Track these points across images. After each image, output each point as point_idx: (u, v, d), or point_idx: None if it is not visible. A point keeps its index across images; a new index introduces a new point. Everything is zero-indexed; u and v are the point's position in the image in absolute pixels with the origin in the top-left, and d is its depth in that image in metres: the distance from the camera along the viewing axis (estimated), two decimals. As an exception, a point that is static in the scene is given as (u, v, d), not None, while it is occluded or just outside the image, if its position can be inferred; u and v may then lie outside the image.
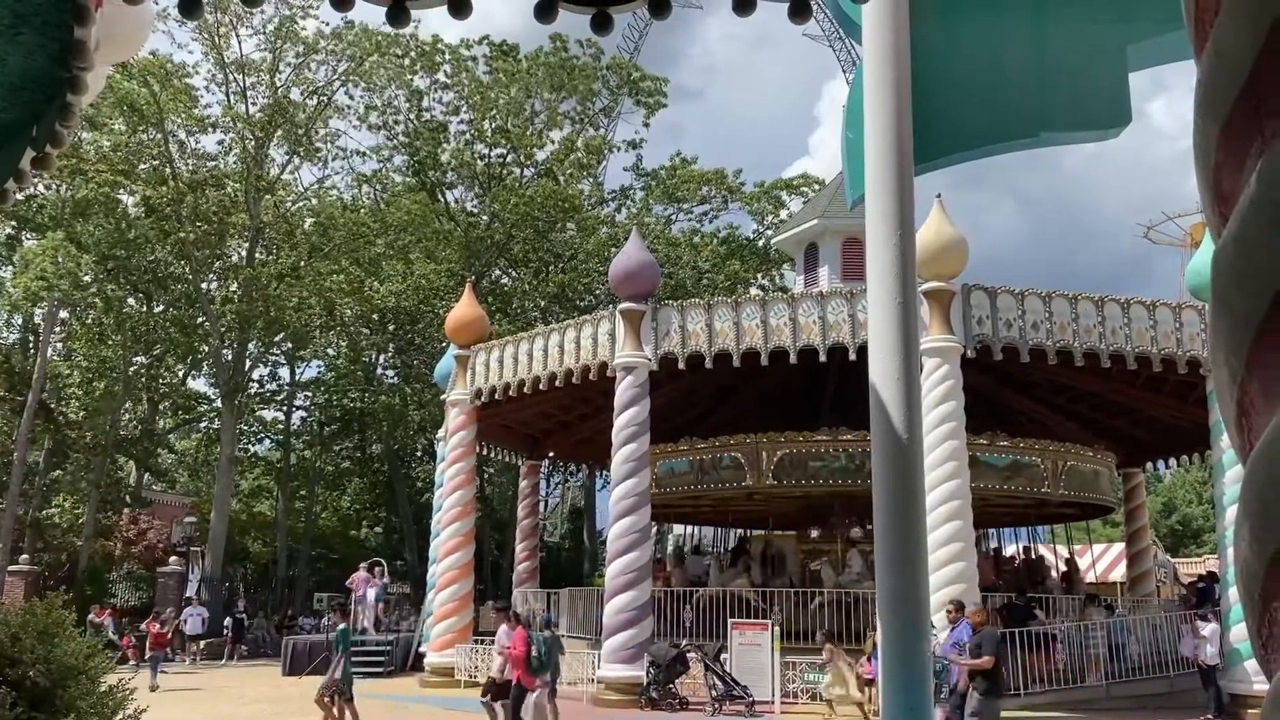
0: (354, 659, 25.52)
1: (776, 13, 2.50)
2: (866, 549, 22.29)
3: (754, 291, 41.23)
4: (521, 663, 13.16)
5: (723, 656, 18.33)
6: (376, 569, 29.32)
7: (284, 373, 45.85)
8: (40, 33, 2.73)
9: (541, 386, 21.41)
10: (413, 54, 40.73)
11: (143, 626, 27.22)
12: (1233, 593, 16.89)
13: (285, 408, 46.41)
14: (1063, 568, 26.89)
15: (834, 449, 21.22)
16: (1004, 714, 15.95)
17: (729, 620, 19.35)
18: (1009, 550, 29.57)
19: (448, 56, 41.74)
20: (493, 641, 23.57)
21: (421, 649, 24.52)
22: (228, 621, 32.37)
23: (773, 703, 17.58)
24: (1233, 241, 0.87)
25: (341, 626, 15.68)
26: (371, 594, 27.95)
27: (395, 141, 42.95)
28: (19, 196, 33.33)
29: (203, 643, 30.88)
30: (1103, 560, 36.16)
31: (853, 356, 18.22)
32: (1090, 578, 32.44)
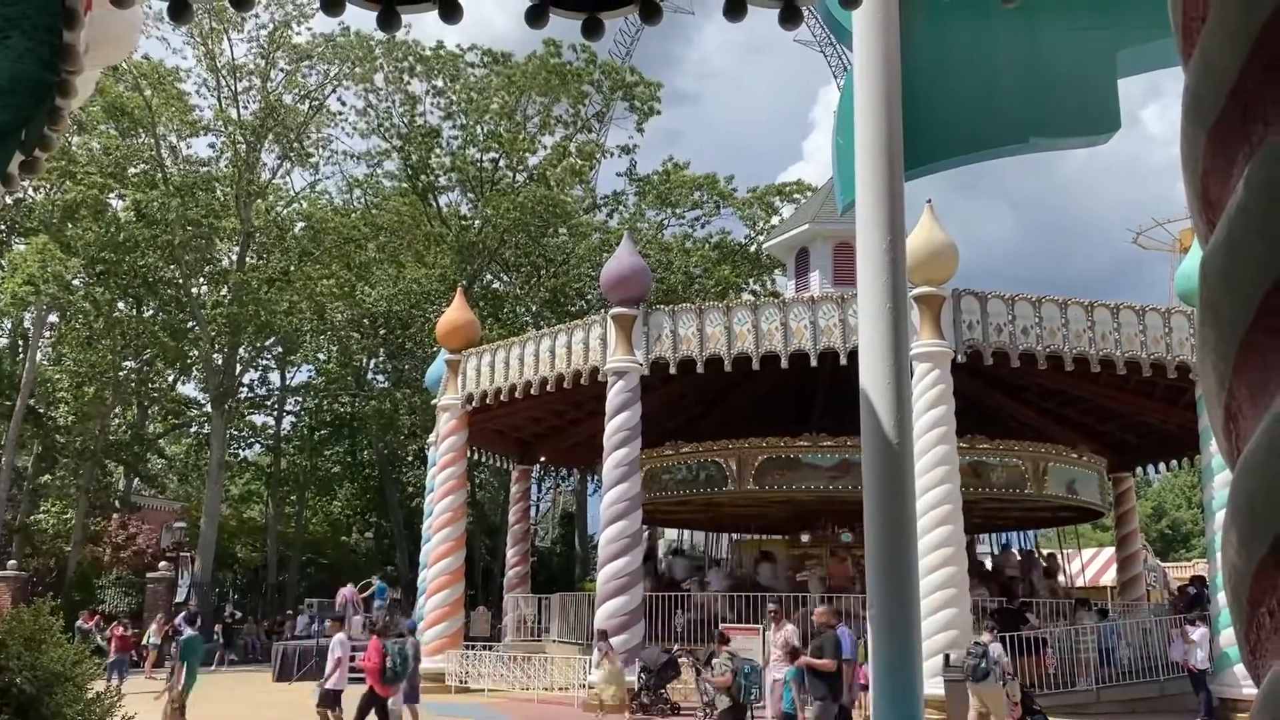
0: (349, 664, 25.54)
1: (769, 18, 2.50)
2: (858, 553, 22.30)
3: (745, 296, 41.28)
4: (375, 673, 13.28)
5: (714, 661, 18.30)
6: (367, 590, 29.54)
7: (274, 377, 45.74)
8: (29, 36, 2.72)
9: (533, 391, 21.39)
10: (410, 59, 40.73)
11: (107, 631, 27.16)
12: (1222, 597, 16.93)
13: (275, 412, 46.27)
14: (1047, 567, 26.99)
15: (818, 453, 21.25)
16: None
17: (720, 625, 19.34)
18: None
19: (443, 63, 41.72)
20: (485, 647, 23.62)
21: (412, 654, 24.43)
22: (217, 628, 32.22)
23: (764, 707, 17.55)
24: (1220, 247, 0.88)
25: (188, 634, 14.76)
26: (356, 617, 28.27)
27: (388, 145, 42.93)
28: (8, 200, 33.24)
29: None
30: (1093, 565, 36.27)
31: (844, 361, 18.25)
32: (1080, 582, 32.58)
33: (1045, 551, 28.88)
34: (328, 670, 13.79)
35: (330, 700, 13.65)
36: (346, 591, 28.42)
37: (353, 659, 14.66)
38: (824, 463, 21.27)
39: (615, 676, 17.36)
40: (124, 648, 24.46)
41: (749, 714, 12.25)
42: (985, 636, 15.43)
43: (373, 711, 13.38)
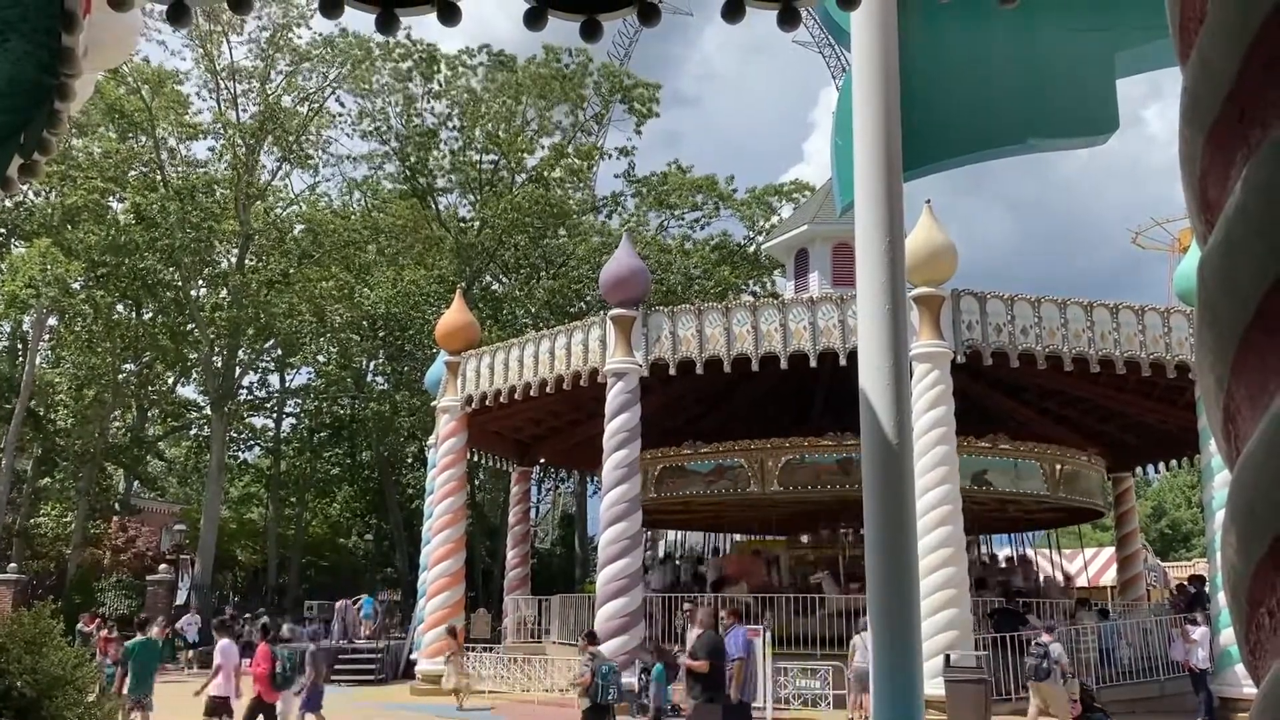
0: (347, 666, 25.60)
1: (768, 20, 2.50)
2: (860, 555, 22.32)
3: (745, 297, 41.28)
4: (264, 679, 13.37)
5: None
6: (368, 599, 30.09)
7: (274, 379, 45.74)
8: (28, 39, 2.72)
9: (532, 393, 21.39)
10: (410, 60, 40.74)
11: (81, 628, 27.19)
12: (1222, 597, 16.95)
13: (275, 415, 46.26)
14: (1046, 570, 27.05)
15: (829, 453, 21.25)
16: (997, 719, 16.02)
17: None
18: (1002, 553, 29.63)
19: (442, 66, 41.75)
20: (484, 649, 23.63)
21: (412, 656, 24.45)
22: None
23: (764, 709, 17.55)
24: (1218, 248, 0.88)
25: (137, 640, 14.89)
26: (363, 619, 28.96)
27: (387, 147, 42.94)
28: (7, 204, 33.21)
29: (193, 651, 30.71)
30: (1093, 564, 36.26)
31: (843, 362, 18.25)
32: (1081, 582, 32.58)
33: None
34: (210, 677, 13.61)
35: (218, 708, 13.49)
36: (341, 604, 28.95)
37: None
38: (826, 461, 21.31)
39: (456, 668, 19.90)
40: (104, 652, 24.45)
41: (611, 713, 12.21)
42: (1046, 637, 15.67)
43: (260, 716, 13.41)
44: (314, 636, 16.88)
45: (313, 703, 14.60)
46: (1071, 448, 23.62)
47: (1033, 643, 15.88)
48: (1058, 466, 22.65)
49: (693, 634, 14.70)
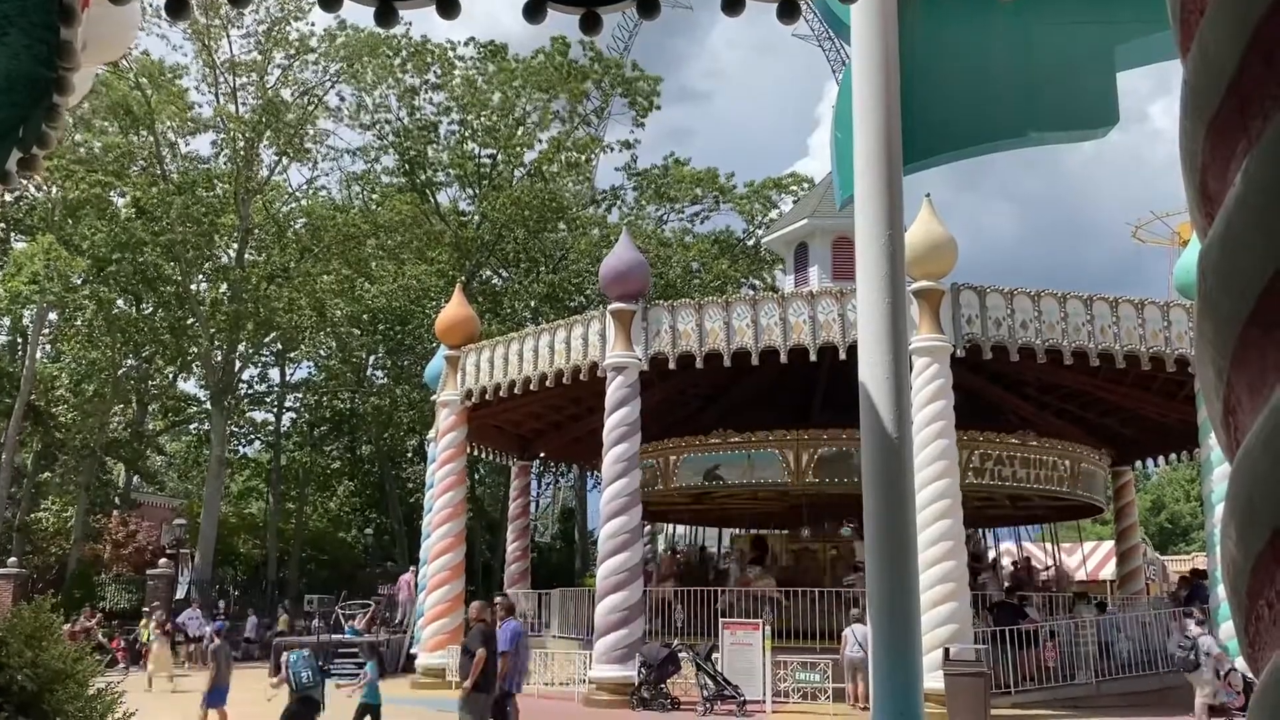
0: (345, 661, 25.62)
1: (769, 13, 2.50)
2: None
3: (744, 291, 41.26)
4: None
5: (714, 656, 18.34)
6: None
7: (274, 374, 45.74)
8: (27, 34, 2.72)
9: (532, 387, 21.38)
10: (404, 53, 40.67)
11: (65, 627, 27.23)
12: (1221, 590, 16.98)
13: (275, 409, 46.27)
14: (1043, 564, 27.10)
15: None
16: (996, 712, 16.05)
17: (720, 620, 19.37)
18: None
19: (437, 56, 41.69)
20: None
21: (413, 650, 24.47)
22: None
23: (764, 702, 17.59)
24: (1218, 241, 0.88)
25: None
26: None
27: (385, 141, 42.89)
28: (8, 198, 33.17)
29: (192, 645, 30.75)
30: (1093, 558, 36.31)
31: (843, 356, 18.24)
32: (1080, 576, 32.61)
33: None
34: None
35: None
36: (405, 578, 28.95)
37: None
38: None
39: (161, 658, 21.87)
40: (74, 639, 24.50)
41: (313, 703, 12.11)
42: (1194, 629, 15.75)
43: None
44: (220, 631, 17.24)
45: (215, 698, 14.44)
46: (1073, 442, 23.63)
47: (1181, 634, 16.02)
48: (1077, 464, 22.74)
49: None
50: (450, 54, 41.97)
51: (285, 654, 13.67)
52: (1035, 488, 22.01)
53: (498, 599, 13.52)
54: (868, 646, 12.89)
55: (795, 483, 21.52)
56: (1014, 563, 27.52)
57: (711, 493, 23.53)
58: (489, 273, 44.36)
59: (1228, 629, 17.03)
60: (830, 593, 20.02)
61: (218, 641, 15.62)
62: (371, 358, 44.93)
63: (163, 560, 34.50)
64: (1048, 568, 27.19)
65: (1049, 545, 30.23)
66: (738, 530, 30.35)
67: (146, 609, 27.82)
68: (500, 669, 12.19)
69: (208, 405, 40.70)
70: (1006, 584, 23.48)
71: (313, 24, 38.16)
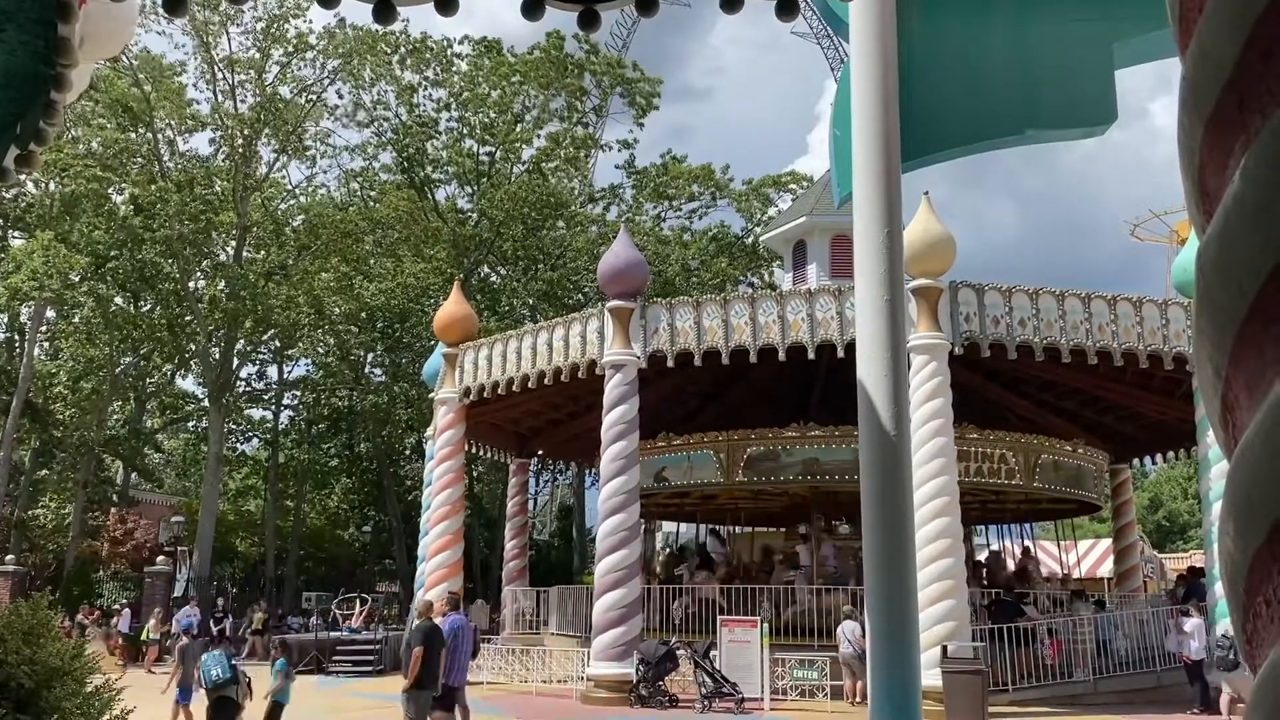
0: (345, 658, 25.65)
1: (768, 11, 2.50)
2: (839, 542, 22.51)
3: (743, 289, 41.27)
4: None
5: (712, 654, 18.35)
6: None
7: (272, 371, 45.74)
8: (24, 30, 2.72)
9: (530, 385, 21.38)
10: (401, 50, 40.64)
11: (81, 620, 27.32)
12: (1219, 588, 17.01)
13: (273, 406, 46.26)
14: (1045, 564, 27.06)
15: (801, 444, 21.26)
16: (994, 710, 16.07)
17: (718, 617, 19.38)
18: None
19: (435, 54, 41.66)
20: (484, 640, 23.64)
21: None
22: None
23: (762, 699, 17.61)
24: (1216, 239, 0.88)
25: None
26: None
27: (383, 138, 42.86)
28: (6, 194, 33.12)
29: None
30: (1090, 556, 36.34)
31: (841, 354, 18.25)
32: (1078, 574, 32.64)
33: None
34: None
35: None
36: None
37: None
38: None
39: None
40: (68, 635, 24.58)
41: (237, 703, 12.09)
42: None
43: None
44: (187, 630, 17.25)
45: (183, 696, 14.42)
46: (1072, 440, 23.62)
47: (1220, 635, 16.00)
48: (1067, 460, 22.75)
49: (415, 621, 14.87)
50: (448, 51, 41.96)
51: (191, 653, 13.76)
52: (1035, 487, 21.99)
53: (441, 595, 13.53)
54: (857, 643, 13.04)
55: (727, 481, 21.72)
56: (1020, 558, 27.48)
57: (657, 493, 23.57)
58: (487, 270, 44.35)
59: (1225, 626, 17.05)
60: (766, 589, 20.36)
61: (185, 640, 15.62)
62: (369, 355, 44.94)
63: (160, 558, 34.50)
64: (1025, 559, 27.13)
65: (1046, 543, 30.26)
66: (737, 528, 30.32)
67: (145, 607, 27.78)
68: (444, 662, 12.22)
69: (206, 403, 40.68)
70: (984, 582, 23.51)
71: (310, 21, 38.16)
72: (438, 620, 12.59)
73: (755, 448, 21.64)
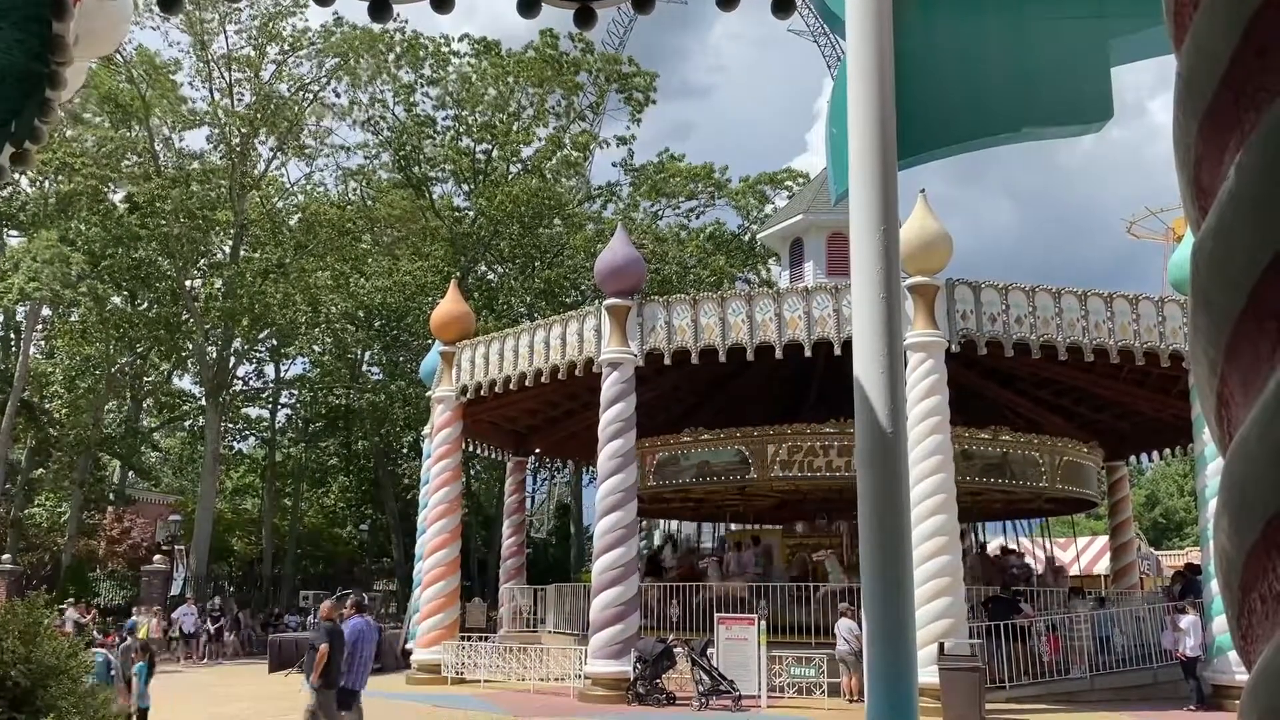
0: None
1: (765, 9, 2.50)
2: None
3: (740, 287, 41.26)
4: None
5: (709, 651, 18.36)
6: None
7: (269, 370, 45.68)
8: (18, 28, 2.71)
9: (527, 383, 21.37)
10: (398, 49, 40.60)
11: (76, 619, 27.34)
12: (1214, 584, 17.02)
13: (270, 405, 46.22)
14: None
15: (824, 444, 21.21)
16: (991, 706, 16.10)
17: (716, 615, 19.39)
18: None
19: (431, 52, 41.61)
20: (481, 638, 23.67)
21: (408, 645, 24.48)
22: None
23: (759, 697, 17.62)
24: (1211, 235, 0.88)
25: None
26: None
27: (381, 137, 42.82)
28: (0, 192, 33.03)
29: (190, 641, 30.76)
30: (1087, 553, 36.39)
31: (838, 351, 18.25)
32: (1075, 571, 32.70)
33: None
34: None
35: None
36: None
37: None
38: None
39: None
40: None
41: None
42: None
43: None
44: (131, 630, 17.38)
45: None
46: (1069, 438, 23.65)
47: None
48: (1064, 459, 22.74)
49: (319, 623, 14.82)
50: (444, 50, 41.92)
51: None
52: (1033, 486, 22.01)
53: (351, 597, 13.46)
54: (853, 641, 13.02)
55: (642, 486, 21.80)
56: (1049, 558, 27.36)
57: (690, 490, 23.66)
58: (484, 268, 44.32)
59: (1221, 623, 17.08)
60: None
61: (130, 640, 15.68)
62: (367, 353, 44.92)
63: (157, 557, 34.47)
64: (1019, 555, 27.18)
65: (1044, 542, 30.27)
66: (735, 525, 30.35)
67: (143, 606, 27.72)
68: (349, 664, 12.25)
69: (202, 401, 40.64)
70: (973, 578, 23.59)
71: (307, 19, 38.12)
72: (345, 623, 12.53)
73: (664, 453, 22.02)
